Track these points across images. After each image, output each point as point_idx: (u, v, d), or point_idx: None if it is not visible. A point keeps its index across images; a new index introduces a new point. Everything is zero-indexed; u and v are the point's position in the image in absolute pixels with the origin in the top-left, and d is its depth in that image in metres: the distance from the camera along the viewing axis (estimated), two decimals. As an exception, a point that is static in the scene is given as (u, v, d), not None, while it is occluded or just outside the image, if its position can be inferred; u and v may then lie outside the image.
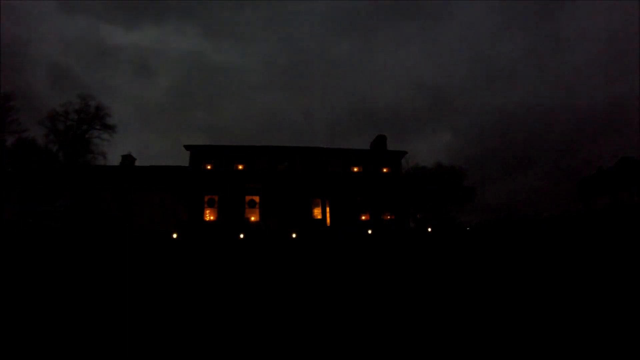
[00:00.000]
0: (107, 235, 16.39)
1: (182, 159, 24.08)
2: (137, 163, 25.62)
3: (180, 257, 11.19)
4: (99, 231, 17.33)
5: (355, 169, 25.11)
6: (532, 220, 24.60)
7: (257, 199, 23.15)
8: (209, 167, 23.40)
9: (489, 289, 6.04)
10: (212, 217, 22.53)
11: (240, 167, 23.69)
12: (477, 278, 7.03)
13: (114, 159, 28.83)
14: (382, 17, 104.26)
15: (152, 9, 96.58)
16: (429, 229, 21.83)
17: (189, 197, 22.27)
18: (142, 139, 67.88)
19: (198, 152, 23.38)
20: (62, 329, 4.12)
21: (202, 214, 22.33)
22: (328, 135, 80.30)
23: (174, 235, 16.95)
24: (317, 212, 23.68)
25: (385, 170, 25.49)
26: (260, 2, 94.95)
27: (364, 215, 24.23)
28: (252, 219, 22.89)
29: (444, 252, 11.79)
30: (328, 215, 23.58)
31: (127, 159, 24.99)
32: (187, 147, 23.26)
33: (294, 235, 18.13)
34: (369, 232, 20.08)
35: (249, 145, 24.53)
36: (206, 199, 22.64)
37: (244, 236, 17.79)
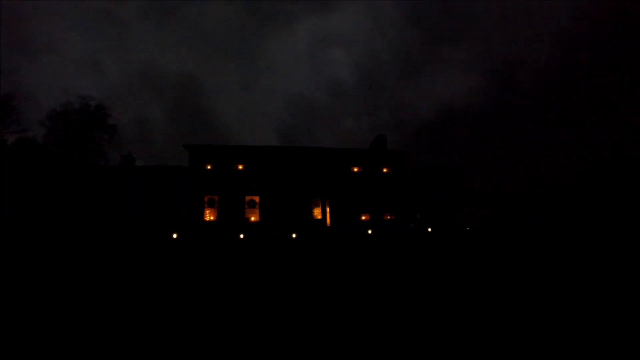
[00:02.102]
0: (108, 236, 16.42)
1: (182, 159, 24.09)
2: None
3: (180, 257, 11.20)
4: (99, 232, 17.37)
5: (355, 169, 25.13)
6: (532, 220, 24.66)
7: (257, 199, 23.17)
8: (209, 167, 23.40)
9: (489, 289, 6.05)
10: (212, 217, 22.55)
11: (240, 167, 23.70)
12: (478, 278, 7.05)
13: (114, 159, 28.76)
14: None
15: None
16: (429, 229, 21.87)
17: (189, 197, 22.30)
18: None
19: (198, 152, 23.37)
20: (62, 329, 4.13)
21: (202, 214, 22.35)
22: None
23: (174, 235, 16.98)
24: (317, 212, 23.71)
25: (385, 170, 25.51)
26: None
27: (364, 215, 24.26)
28: (252, 219, 22.92)
29: (444, 252, 11.80)
30: (328, 215, 23.61)
31: (127, 158, 24.98)
32: (186, 146, 23.24)
33: (294, 235, 18.16)
34: (369, 232, 20.10)
35: (249, 145, 24.53)
36: (206, 199, 22.66)
37: (244, 236, 17.81)
